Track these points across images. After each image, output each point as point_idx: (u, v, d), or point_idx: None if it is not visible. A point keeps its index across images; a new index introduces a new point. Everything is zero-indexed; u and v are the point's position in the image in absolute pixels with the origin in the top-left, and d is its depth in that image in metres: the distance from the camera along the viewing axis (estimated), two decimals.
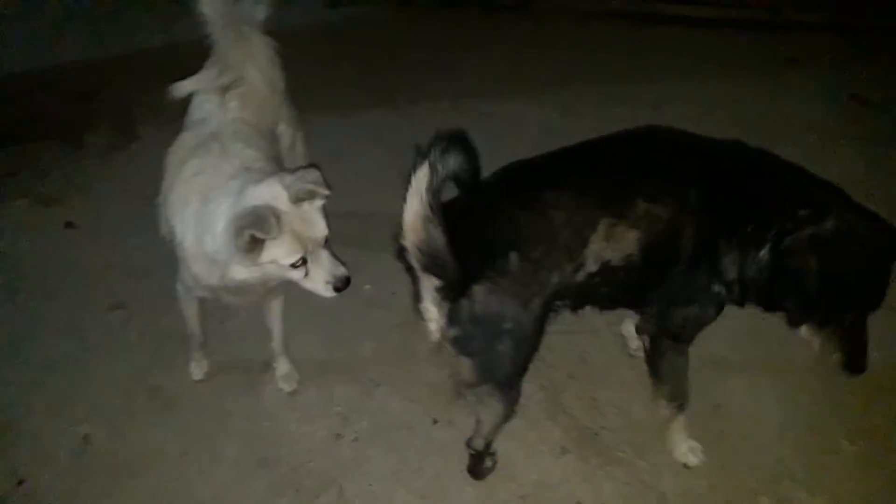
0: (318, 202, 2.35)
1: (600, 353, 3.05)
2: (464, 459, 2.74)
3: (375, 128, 4.44)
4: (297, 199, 2.26)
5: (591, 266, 2.25)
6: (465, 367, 2.29)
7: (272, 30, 3.01)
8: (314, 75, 4.75)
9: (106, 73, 4.84)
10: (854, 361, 2.38)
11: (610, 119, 4.44)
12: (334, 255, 2.40)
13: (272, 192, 2.25)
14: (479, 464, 2.68)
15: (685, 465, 2.72)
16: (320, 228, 2.33)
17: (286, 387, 3.00)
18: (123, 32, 5.03)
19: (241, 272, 2.32)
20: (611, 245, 2.23)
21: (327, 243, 2.39)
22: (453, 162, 1.96)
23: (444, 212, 1.97)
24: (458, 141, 1.98)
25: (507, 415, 2.51)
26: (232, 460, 2.77)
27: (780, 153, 2.37)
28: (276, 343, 2.99)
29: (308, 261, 2.32)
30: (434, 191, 1.94)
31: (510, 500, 2.65)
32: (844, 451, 2.77)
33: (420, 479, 2.71)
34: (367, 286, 3.28)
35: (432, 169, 1.91)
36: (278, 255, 2.26)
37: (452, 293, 2.13)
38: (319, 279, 2.37)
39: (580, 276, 2.26)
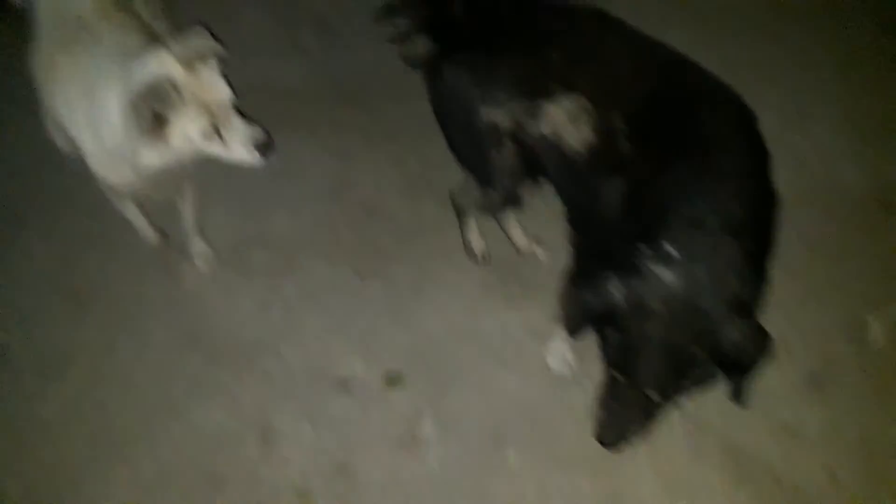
0: (213, 63, 2.17)
1: None
2: (396, 310, 2.83)
3: None
4: (189, 63, 2.09)
5: (544, 126, 2.21)
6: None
7: None
8: None
9: None
10: (599, 427, 2.01)
11: None
12: (247, 118, 2.23)
13: (161, 63, 2.07)
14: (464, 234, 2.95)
15: None
16: (223, 90, 2.16)
17: (204, 264, 2.95)
18: None
19: (153, 157, 2.15)
20: (569, 123, 2.16)
21: (237, 110, 2.23)
22: None
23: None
24: None
25: (485, 207, 2.70)
26: (161, 343, 2.74)
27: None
28: (189, 224, 2.90)
29: (221, 131, 2.16)
30: None
31: (443, 337, 2.78)
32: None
33: (354, 330, 2.78)
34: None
35: None
36: (187, 126, 2.10)
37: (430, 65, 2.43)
38: (240, 145, 2.19)
39: (534, 129, 2.23)
